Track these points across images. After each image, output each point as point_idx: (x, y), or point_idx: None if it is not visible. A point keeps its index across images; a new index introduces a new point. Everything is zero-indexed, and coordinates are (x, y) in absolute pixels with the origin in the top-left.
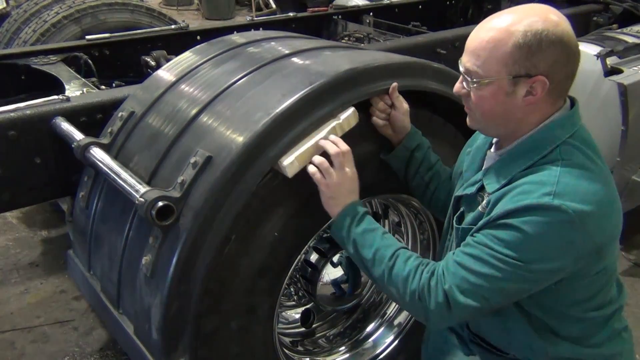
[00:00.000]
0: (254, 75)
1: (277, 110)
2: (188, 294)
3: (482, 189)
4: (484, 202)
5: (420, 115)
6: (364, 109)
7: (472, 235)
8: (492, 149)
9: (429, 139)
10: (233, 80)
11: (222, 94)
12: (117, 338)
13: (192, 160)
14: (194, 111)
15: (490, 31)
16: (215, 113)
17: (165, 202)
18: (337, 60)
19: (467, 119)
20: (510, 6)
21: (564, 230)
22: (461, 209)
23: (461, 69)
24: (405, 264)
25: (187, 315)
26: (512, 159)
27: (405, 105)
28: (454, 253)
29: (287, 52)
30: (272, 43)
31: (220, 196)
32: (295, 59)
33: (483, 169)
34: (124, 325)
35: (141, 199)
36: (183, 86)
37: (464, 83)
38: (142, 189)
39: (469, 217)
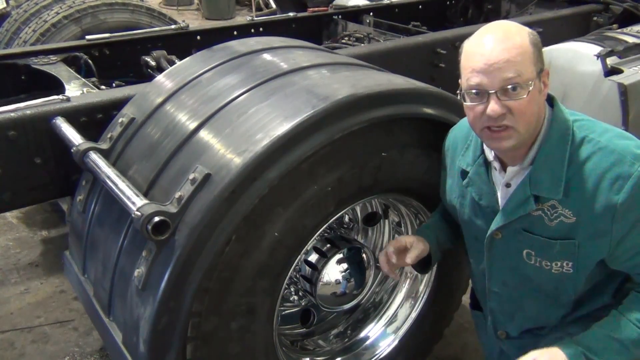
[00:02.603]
0: (255, 92)
1: (279, 133)
2: (177, 310)
3: (537, 200)
4: (562, 211)
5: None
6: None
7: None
8: (510, 166)
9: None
10: (234, 96)
11: (223, 109)
12: (106, 344)
13: (191, 176)
14: (194, 124)
15: (508, 41)
16: (215, 128)
17: (162, 218)
18: (339, 83)
19: (502, 143)
20: (510, 6)
21: None
22: (523, 229)
23: (496, 87)
24: (632, 327)
25: (175, 331)
26: (547, 161)
27: (415, 255)
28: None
29: (288, 68)
30: (274, 56)
31: (216, 215)
32: (296, 78)
33: (513, 186)
34: (112, 333)
35: (137, 213)
36: (184, 96)
37: (503, 101)
38: (139, 202)
39: (549, 229)
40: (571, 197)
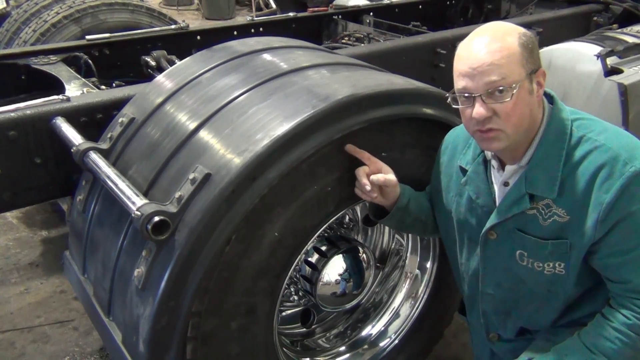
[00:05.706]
0: (255, 92)
1: (279, 133)
2: (177, 310)
3: (532, 199)
4: (556, 210)
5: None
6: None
7: (599, 247)
8: (508, 165)
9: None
10: (234, 96)
11: (224, 109)
12: (105, 344)
13: (191, 176)
14: (194, 124)
15: (494, 43)
16: (215, 128)
17: (162, 218)
18: (339, 83)
19: (492, 145)
20: (510, 6)
21: None
22: (515, 228)
23: (480, 91)
24: (605, 341)
25: (175, 331)
26: (543, 160)
27: (394, 179)
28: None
29: (288, 68)
30: (274, 56)
31: (216, 215)
32: (297, 78)
33: (511, 184)
34: (112, 333)
35: (137, 213)
36: (184, 96)
37: (488, 104)
38: (139, 201)
39: (542, 229)
40: (565, 196)
